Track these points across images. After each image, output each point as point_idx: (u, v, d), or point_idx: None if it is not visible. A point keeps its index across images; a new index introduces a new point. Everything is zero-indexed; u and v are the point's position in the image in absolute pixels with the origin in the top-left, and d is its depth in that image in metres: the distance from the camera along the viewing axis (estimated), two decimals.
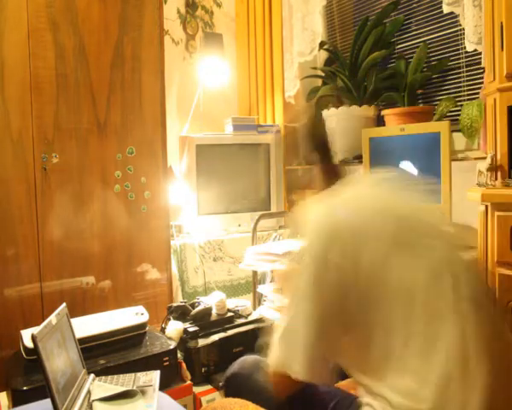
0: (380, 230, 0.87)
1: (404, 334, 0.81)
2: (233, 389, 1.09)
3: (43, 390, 0.93)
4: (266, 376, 0.99)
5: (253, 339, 1.69)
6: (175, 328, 1.61)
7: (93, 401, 1.05)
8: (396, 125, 2.23)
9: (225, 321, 1.73)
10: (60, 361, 1.00)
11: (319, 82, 2.96)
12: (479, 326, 0.81)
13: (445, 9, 2.07)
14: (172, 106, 2.81)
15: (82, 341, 1.28)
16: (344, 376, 1.05)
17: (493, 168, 1.58)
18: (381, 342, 0.82)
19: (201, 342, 1.60)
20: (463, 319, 0.80)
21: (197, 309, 1.70)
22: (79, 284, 1.86)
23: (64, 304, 1.13)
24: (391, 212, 0.91)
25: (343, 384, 1.08)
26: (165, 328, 1.64)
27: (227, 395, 1.12)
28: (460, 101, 2.20)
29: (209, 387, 1.56)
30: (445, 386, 0.77)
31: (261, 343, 1.04)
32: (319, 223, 0.92)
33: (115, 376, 1.18)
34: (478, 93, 2.09)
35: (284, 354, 0.91)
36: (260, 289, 1.94)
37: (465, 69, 2.22)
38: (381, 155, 2.18)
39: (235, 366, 1.15)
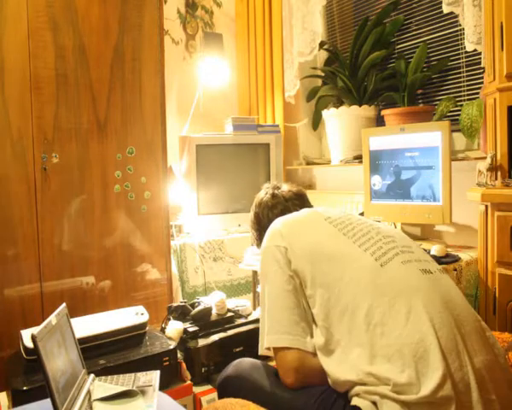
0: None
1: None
2: (229, 391, 1.10)
3: (43, 390, 0.93)
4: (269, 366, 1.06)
5: (253, 339, 1.69)
6: (175, 328, 1.61)
7: (93, 401, 1.05)
8: (396, 125, 2.24)
9: (225, 321, 1.72)
10: (60, 361, 1.00)
11: (319, 82, 2.96)
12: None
13: (445, 9, 2.07)
14: (172, 106, 2.81)
15: (82, 341, 1.28)
16: None
17: (493, 168, 1.58)
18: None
19: (201, 342, 1.60)
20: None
21: (197, 309, 1.70)
22: (79, 284, 1.86)
23: (64, 304, 1.12)
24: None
25: None
26: (165, 328, 1.64)
27: (220, 397, 1.12)
28: (460, 101, 2.20)
29: (209, 387, 1.56)
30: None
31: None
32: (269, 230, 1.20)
33: (115, 376, 1.18)
34: (478, 93, 2.09)
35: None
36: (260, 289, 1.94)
37: (465, 69, 2.22)
38: (381, 154, 2.18)
39: (230, 369, 1.16)
